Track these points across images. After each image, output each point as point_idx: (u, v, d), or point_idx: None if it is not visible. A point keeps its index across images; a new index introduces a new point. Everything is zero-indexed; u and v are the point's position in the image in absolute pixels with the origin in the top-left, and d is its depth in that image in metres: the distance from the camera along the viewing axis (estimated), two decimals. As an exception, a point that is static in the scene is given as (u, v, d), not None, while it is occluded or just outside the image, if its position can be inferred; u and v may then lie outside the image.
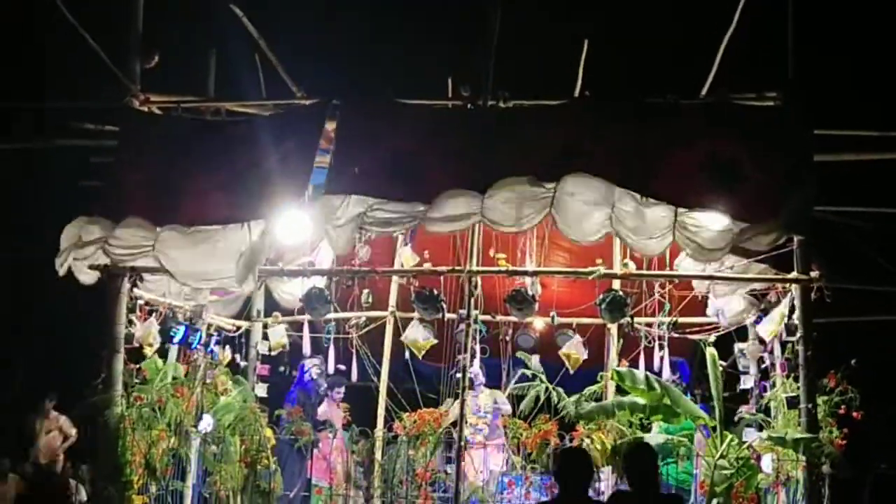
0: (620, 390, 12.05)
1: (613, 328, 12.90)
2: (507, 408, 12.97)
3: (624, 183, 10.27)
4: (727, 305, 12.41)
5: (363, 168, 10.77)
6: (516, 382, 13.13)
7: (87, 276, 11.18)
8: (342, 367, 13.80)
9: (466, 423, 12.48)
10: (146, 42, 11.85)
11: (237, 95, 12.22)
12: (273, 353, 13.93)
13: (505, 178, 10.38)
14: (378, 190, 10.68)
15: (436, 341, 13.02)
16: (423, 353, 13.05)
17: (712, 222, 10.22)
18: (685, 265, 12.01)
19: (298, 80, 11.72)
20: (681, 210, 10.25)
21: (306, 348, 13.81)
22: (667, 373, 12.56)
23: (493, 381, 13.53)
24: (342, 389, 13.40)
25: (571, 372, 12.87)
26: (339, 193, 10.70)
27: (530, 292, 11.65)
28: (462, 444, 11.19)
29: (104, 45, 11.41)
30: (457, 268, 11.58)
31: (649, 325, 13.13)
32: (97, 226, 11.02)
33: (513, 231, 10.79)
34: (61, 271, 11.07)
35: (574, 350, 12.81)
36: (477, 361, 13.01)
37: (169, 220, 10.94)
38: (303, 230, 10.98)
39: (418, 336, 12.93)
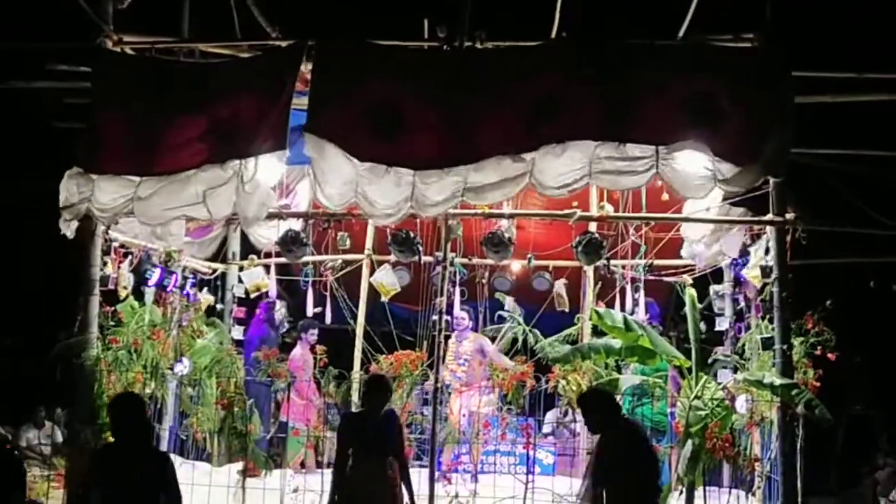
0: (596, 332, 12.10)
1: (590, 271, 12.92)
2: (490, 349, 12.97)
3: (604, 136, 10.21)
4: (703, 248, 12.45)
5: (342, 117, 10.67)
6: (495, 325, 13.20)
7: (70, 230, 11.07)
8: (318, 309, 13.84)
9: (446, 367, 12.58)
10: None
11: (212, 37, 12.07)
12: (252, 296, 13.97)
13: (484, 154, 10.35)
14: (356, 147, 10.53)
15: (399, 289, 13.11)
16: (391, 296, 13.22)
17: (693, 160, 10.21)
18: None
19: (272, 20, 11.61)
20: (662, 149, 10.22)
21: (272, 291, 13.83)
22: (641, 314, 12.62)
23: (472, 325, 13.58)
24: (315, 332, 13.40)
25: (567, 311, 12.99)
26: (317, 136, 10.57)
27: (507, 235, 11.64)
28: (437, 385, 11.23)
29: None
30: (433, 210, 11.53)
31: (624, 267, 13.21)
32: (78, 180, 10.90)
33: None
34: (69, 233, 10.97)
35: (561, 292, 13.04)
36: (458, 304, 13.07)
37: (148, 171, 10.80)
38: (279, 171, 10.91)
39: (385, 280, 13.05)
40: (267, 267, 13.84)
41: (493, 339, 13.08)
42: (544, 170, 10.30)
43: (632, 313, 12.42)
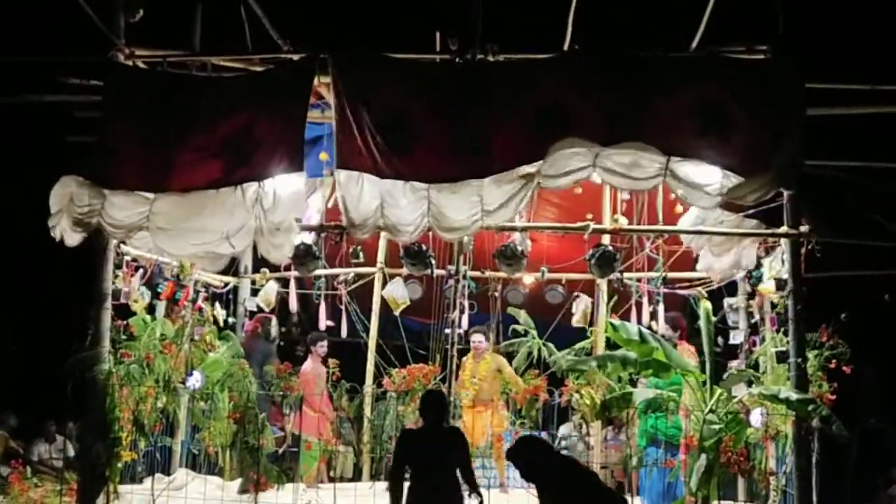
0: (610, 345, 12.03)
1: (603, 284, 12.87)
2: (507, 370, 12.92)
3: (611, 142, 10.21)
4: (718, 261, 12.40)
5: (362, 138, 10.64)
6: (509, 339, 13.15)
7: (73, 238, 11.00)
8: (331, 322, 13.82)
9: (462, 385, 12.55)
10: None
11: (223, 50, 12.04)
12: (267, 310, 13.96)
13: (497, 167, 10.37)
14: (376, 166, 10.52)
15: (409, 303, 13.09)
16: (402, 309, 13.25)
17: (701, 171, 10.19)
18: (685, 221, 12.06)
19: (283, 33, 11.59)
20: (671, 158, 10.19)
21: (293, 305, 13.82)
22: (663, 327, 12.51)
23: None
24: (324, 344, 13.34)
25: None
26: (349, 169, 10.58)
27: (520, 248, 11.61)
28: (451, 399, 11.20)
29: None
30: (446, 223, 11.50)
31: (639, 280, 13.15)
32: (88, 193, 10.81)
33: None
34: (56, 236, 10.90)
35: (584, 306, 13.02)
36: (467, 319, 13.03)
37: (161, 187, 10.74)
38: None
39: (396, 293, 13.05)
40: (286, 281, 13.84)
41: (508, 355, 13.03)
42: (550, 167, 10.28)
43: (648, 327, 12.35)
